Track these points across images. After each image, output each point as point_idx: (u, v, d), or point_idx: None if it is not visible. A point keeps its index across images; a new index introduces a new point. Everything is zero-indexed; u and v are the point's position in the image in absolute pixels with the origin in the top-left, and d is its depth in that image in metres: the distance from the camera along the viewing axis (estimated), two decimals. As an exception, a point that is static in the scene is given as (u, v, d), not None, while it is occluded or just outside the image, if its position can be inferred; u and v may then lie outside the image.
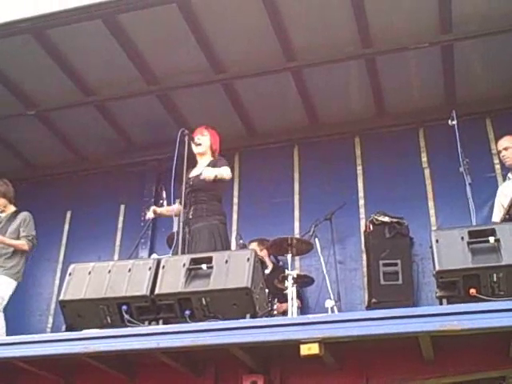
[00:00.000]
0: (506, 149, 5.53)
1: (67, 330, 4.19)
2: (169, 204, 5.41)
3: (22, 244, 6.05)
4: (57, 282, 7.76)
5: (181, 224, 4.91)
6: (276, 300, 5.89)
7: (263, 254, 6.54)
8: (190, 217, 5.08)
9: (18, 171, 8.31)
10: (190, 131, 5.36)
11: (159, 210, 5.58)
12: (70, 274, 4.34)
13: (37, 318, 7.77)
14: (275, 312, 5.85)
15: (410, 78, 7.10)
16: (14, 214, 6.21)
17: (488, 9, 6.10)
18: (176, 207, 5.39)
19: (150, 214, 5.58)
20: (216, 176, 5.08)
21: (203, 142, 5.37)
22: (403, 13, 6.22)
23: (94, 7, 6.05)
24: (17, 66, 6.94)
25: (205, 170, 5.13)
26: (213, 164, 5.27)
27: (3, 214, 6.28)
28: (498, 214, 5.43)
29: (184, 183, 5.06)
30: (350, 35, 6.48)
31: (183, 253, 4.68)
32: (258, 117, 7.79)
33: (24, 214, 6.18)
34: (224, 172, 5.17)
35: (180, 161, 5.07)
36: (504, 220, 5.11)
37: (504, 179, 6.03)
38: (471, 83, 7.07)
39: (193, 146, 5.30)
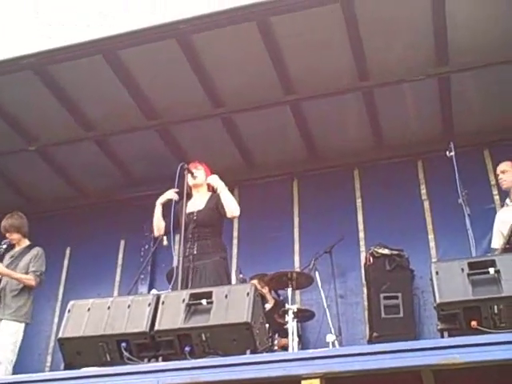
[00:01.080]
0: (503, 172, 5.58)
1: (66, 368, 4.13)
2: (168, 239, 5.35)
3: (29, 279, 5.96)
4: (56, 319, 7.72)
5: (180, 259, 4.89)
6: (277, 335, 5.85)
7: (265, 290, 6.51)
8: (195, 252, 5.03)
9: (18, 206, 8.21)
10: (189, 163, 5.38)
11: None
12: (69, 311, 4.29)
13: (35, 358, 7.67)
14: (275, 347, 5.80)
15: (407, 110, 7.15)
16: (28, 249, 6.19)
17: (483, 41, 6.17)
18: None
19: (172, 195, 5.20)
20: (222, 191, 5.10)
21: (199, 174, 5.38)
22: (400, 45, 6.30)
23: (94, 43, 6.13)
24: (18, 101, 7.01)
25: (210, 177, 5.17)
26: (215, 200, 5.23)
27: (17, 248, 6.27)
28: (497, 241, 5.43)
29: (184, 217, 5.03)
30: (347, 68, 6.55)
31: (186, 288, 4.64)
32: (257, 150, 7.83)
33: (36, 249, 6.14)
34: (233, 201, 5.18)
35: (180, 195, 5.08)
36: (504, 249, 5.11)
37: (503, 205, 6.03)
38: (468, 115, 7.12)
39: (190, 179, 5.30)
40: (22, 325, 5.91)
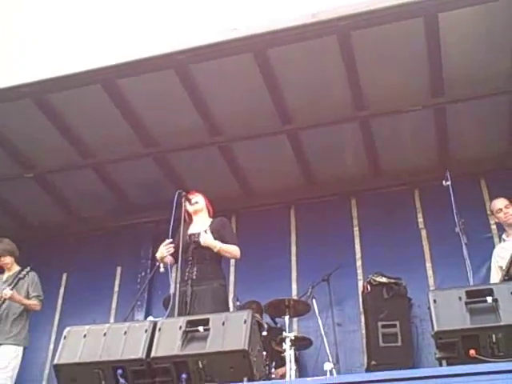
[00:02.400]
0: (507, 206, 5.54)
1: (61, 395, 4.11)
2: (165, 265, 5.30)
3: (35, 304, 6.08)
4: (51, 345, 7.65)
5: (177, 285, 4.87)
6: (274, 364, 5.81)
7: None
8: (194, 277, 4.98)
9: (14, 232, 8.23)
10: (187, 193, 5.39)
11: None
12: (64, 337, 4.28)
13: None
14: (273, 376, 5.76)
15: (404, 139, 7.19)
16: (19, 274, 6.18)
17: (478, 72, 6.24)
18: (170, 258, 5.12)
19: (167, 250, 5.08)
20: (220, 249, 5.00)
21: (199, 200, 5.37)
22: (396, 76, 6.36)
23: (93, 72, 6.18)
24: (16, 129, 7.04)
25: (204, 234, 5.02)
26: (217, 226, 5.18)
27: (8, 273, 6.27)
28: (496, 277, 5.41)
29: (181, 240, 4.97)
30: (344, 98, 6.60)
31: (184, 314, 4.62)
32: (255, 178, 7.85)
33: (32, 274, 6.16)
34: (232, 250, 5.08)
35: (176, 222, 5.08)
36: (503, 281, 5.09)
37: (500, 240, 6.03)
38: (464, 144, 7.18)
39: (188, 206, 5.29)
40: (21, 348, 5.96)
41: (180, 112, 6.85)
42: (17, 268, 6.29)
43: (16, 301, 5.95)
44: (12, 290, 5.87)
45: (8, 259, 6.29)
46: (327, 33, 5.83)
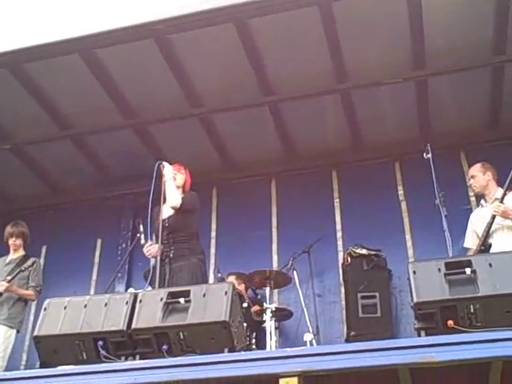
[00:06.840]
0: (472, 177, 5.65)
1: (42, 366, 4.10)
2: (146, 238, 5.31)
3: (30, 294, 6.10)
4: (31, 317, 7.61)
5: (158, 258, 4.87)
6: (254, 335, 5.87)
7: (241, 287, 6.51)
8: (171, 255, 5.02)
9: (-8, 205, 8.23)
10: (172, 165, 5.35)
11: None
12: (45, 309, 4.27)
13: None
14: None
15: (385, 112, 7.19)
16: (24, 258, 6.20)
17: (460, 45, 6.24)
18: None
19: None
20: (165, 182, 5.10)
21: (178, 178, 5.33)
22: (377, 49, 6.34)
23: (71, 42, 6.08)
24: (-8, 99, 6.92)
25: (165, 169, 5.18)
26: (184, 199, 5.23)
27: (14, 255, 6.27)
28: (470, 241, 5.51)
29: (161, 220, 4.99)
30: (325, 70, 6.57)
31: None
32: (236, 150, 7.81)
33: (35, 261, 6.19)
34: (171, 194, 5.10)
35: (157, 194, 5.05)
36: (480, 251, 5.17)
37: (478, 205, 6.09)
38: (445, 117, 7.19)
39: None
40: (14, 331, 5.99)
41: (160, 83, 6.78)
42: (22, 252, 6.30)
43: (12, 292, 5.95)
44: (10, 281, 5.87)
45: (18, 241, 6.29)
46: (309, 3, 5.78)
